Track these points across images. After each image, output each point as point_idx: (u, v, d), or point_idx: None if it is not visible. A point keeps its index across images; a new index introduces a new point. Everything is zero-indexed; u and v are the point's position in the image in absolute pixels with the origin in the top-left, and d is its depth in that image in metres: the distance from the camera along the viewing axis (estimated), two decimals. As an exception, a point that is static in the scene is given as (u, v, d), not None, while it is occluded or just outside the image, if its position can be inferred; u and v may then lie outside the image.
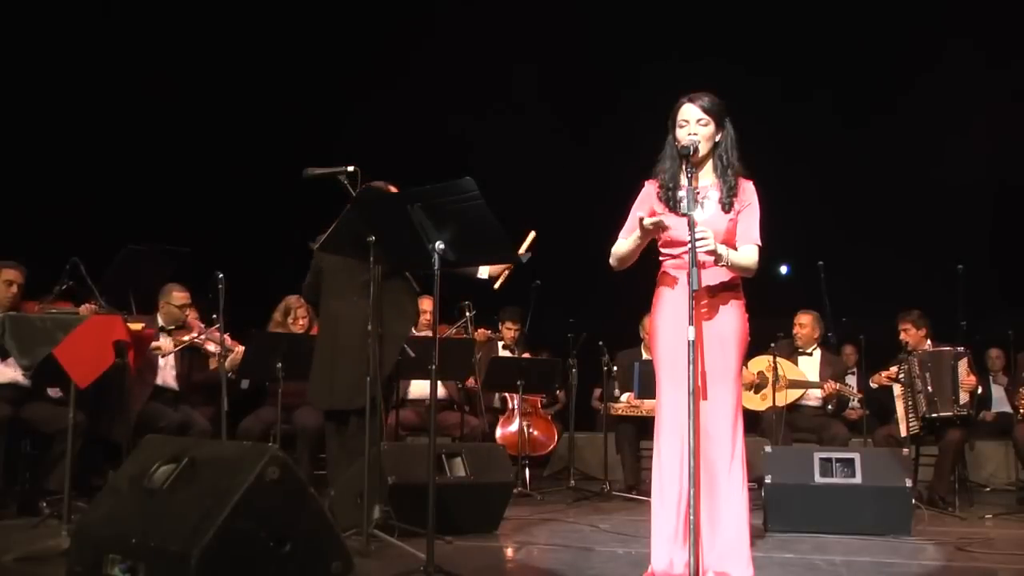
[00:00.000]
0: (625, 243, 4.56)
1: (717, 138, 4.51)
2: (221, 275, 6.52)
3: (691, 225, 4.24)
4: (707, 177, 4.56)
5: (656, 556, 4.46)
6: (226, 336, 7.32)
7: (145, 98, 10.48)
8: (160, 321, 7.65)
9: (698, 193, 4.48)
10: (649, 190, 4.64)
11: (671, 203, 4.54)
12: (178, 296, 7.76)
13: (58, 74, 9.79)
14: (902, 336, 8.32)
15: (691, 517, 4.15)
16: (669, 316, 4.55)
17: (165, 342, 7.61)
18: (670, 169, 4.57)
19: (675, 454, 4.43)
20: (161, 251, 7.81)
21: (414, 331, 7.36)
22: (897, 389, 8.14)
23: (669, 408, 4.50)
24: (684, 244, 4.36)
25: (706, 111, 4.47)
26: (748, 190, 4.57)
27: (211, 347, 7.83)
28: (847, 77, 11.66)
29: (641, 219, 4.38)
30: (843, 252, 10.74)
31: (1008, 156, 11.22)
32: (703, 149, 4.49)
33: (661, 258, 4.65)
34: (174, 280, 7.83)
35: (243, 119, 10.79)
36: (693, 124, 4.47)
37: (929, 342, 8.25)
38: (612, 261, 4.64)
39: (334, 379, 6.18)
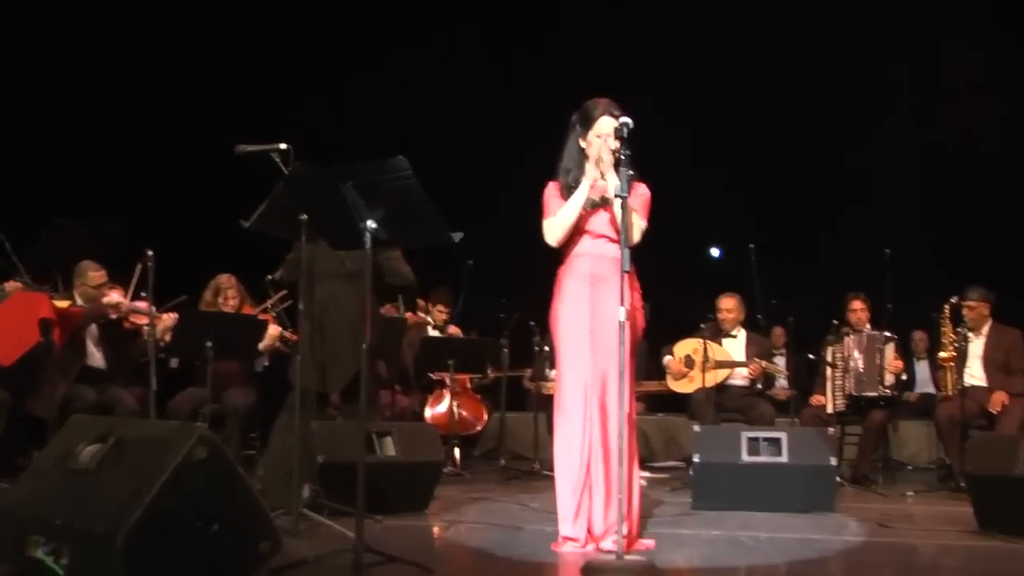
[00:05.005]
0: (568, 209, 4.93)
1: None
2: (151, 252, 6.45)
3: (624, 207, 4.50)
4: (611, 177, 4.83)
5: (564, 526, 4.87)
6: (161, 316, 7.24)
7: (74, 70, 10.31)
8: (78, 300, 7.50)
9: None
10: (556, 190, 5.04)
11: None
12: (94, 276, 7.57)
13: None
14: (850, 316, 8.52)
15: (620, 496, 4.36)
16: (570, 302, 4.97)
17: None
18: (574, 172, 5.00)
19: (577, 432, 4.85)
20: (89, 227, 7.69)
21: None
22: (828, 371, 8.33)
23: (570, 390, 4.91)
24: (590, 234, 4.94)
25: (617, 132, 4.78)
26: (642, 189, 5.00)
27: (136, 319, 7.70)
28: (777, 62, 11.77)
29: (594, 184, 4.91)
30: (774, 235, 10.84)
31: (936, 138, 11.42)
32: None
33: (565, 248, 5.02)
34: (103, 257, 7.72)
35: (175, 93, 10.66)
36: (613, 139, 4.83)
37: (868, 325, 8.42)
38: (556, 233, 4.97)
39: (325, 362, 6.11)
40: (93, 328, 7.59)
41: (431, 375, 9.43)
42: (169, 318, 7.46)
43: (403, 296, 8.69)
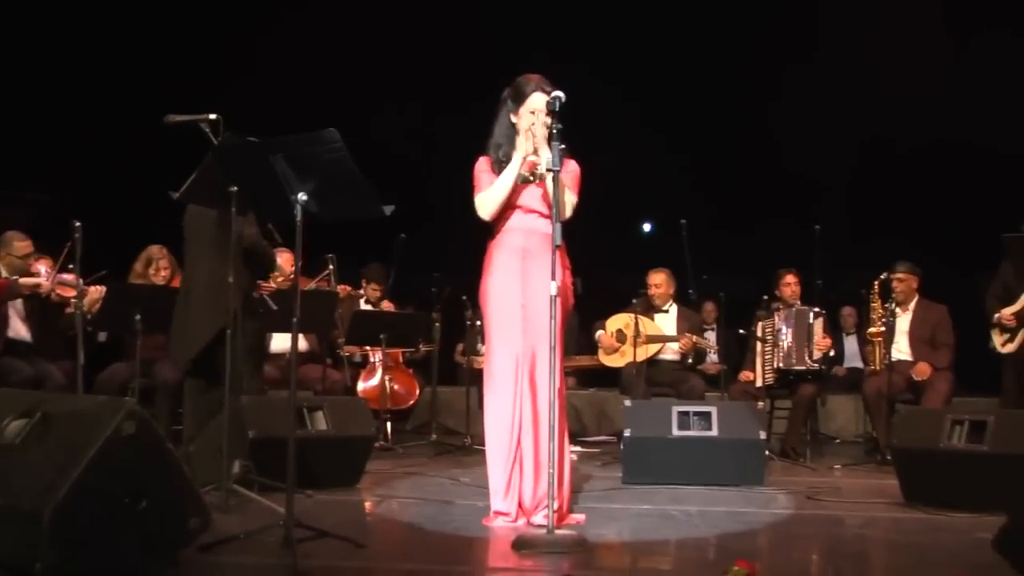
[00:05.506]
0: (501, 183, 4.94)
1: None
2: (79, 223, 6.35)
3: (556, 182, 4.56)
4: (544, 152, 4.85)
5: (495, 500, 4.94)
6: (91, 288, 7.11)
7: (1, 37, 10.10)
8: (3, 272, 7.36)
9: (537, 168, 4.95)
10: (487, 164, 5.06)
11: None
12: (20, 246, 7.40)
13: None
14: (782, 290, 8.65)
15: (550, 470, 4.39)
16: (500, 276, 5.00)
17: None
18: (505, 147, 5.02)
19: (507, 407, 4.90)
20: (15, 197, 7.54)
21: (274, 283, 7.24)
22: (758, 346, 8.42)
23: (500, 365, 4.96)
24: (521, 208, 4.97)
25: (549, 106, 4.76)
26: (572, 165, 5.01)
27: (64, 292, 7.55)
28: (712, 37, 11.83)
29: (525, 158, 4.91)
30: (705, 210, 10.92)
31: (868, 116, 11.55)
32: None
33: (496, 223, 5.05)
34: (29, 227, 7.57)
35: (104, 61, 10.47)
36: (545, 114, 4.83)
37: (799, 301, 8.53)
38: (490, 207, 4.99)
39: (194, 335, 6.02)
40: (19, 301, 7.46)
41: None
42: (97, 291, 7.34)
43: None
